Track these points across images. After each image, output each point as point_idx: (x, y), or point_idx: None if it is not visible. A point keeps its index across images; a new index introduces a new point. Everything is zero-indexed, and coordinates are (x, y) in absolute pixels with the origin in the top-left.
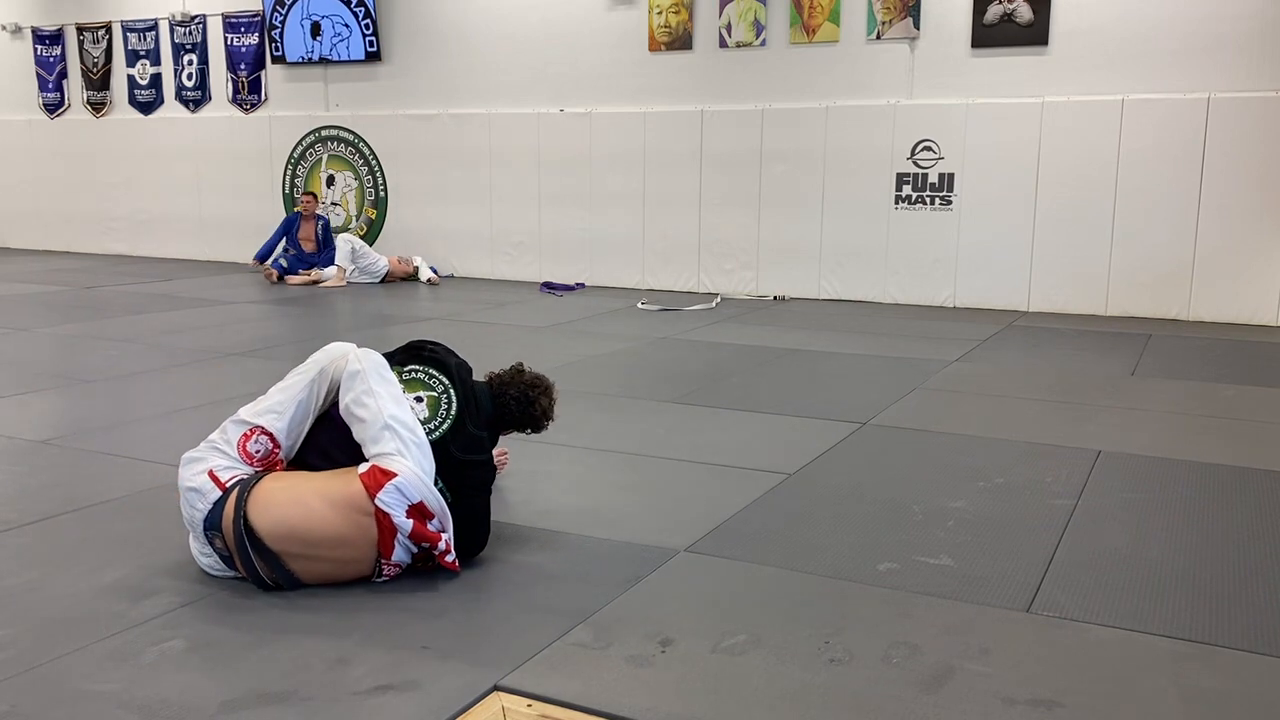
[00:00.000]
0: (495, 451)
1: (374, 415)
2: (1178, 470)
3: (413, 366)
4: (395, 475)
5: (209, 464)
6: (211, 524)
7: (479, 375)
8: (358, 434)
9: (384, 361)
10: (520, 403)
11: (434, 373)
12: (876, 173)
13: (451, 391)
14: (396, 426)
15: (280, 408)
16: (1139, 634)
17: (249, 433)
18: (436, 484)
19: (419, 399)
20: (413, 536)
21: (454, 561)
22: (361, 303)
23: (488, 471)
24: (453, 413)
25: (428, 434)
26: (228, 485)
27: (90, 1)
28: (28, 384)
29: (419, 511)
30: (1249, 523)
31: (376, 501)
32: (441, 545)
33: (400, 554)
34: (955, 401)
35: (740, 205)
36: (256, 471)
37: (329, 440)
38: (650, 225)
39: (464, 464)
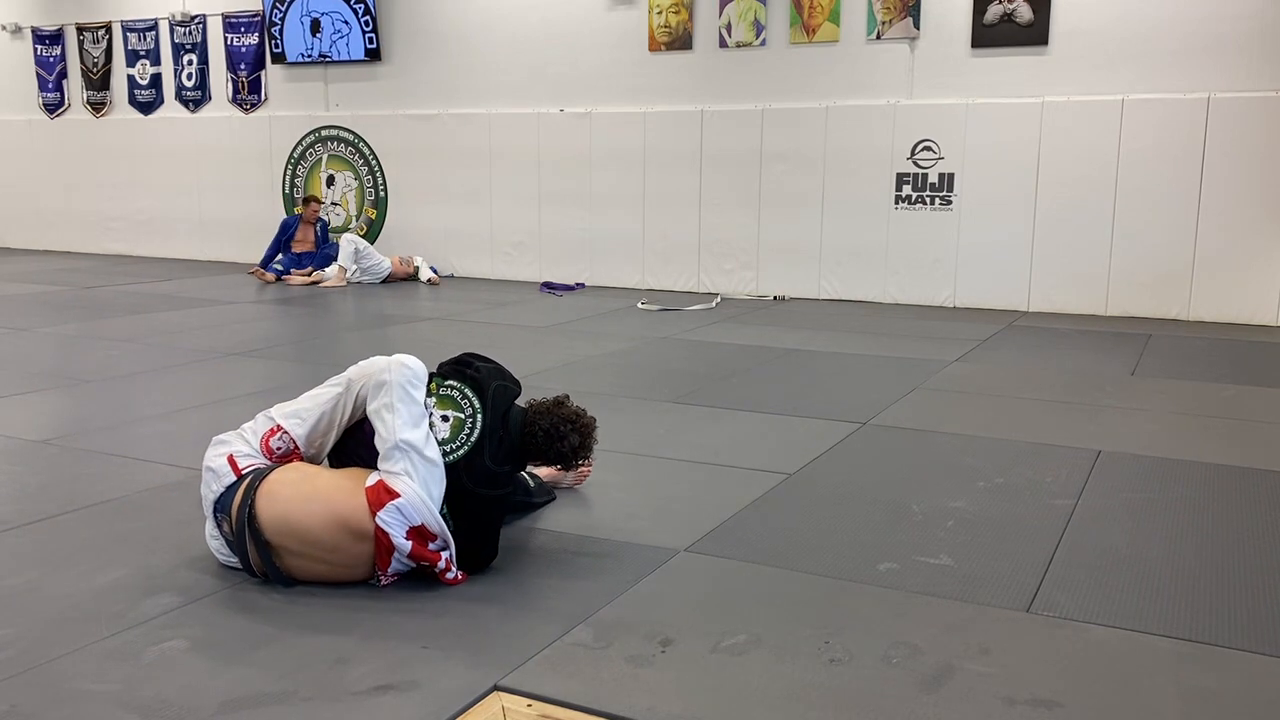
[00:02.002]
0: (580, 470)
1: (389, 432)
2: (1178, 470)
3: (452, 383)
4: (398, 496)
5: (232, 448)
6: (222, 507)
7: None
8: (376, 443)
9: (419, 375)
10: (548, 436)
11: (469, 394)
12: (876, 173)
13: (479, 417)
14: (408, 449)
15: (305, 414)
16: (1139, 634)
17: (274, 429)
18: (442, 510)
19: (445, 418)
20: (411, 556)
21: (454, 578)
22: (362, 302)
23: (497, 506)
24: (472, 440)
25: (444, 455)
26: (244, 472)
27: (90, 1)
28: (28, 384)
29: (419, 533)
30: (1249, 523)
31: (377, 520)
32: (441, 564)
33: (397, 566)
34: (955, 401)
35: (740, 205)
36: (272, 465)
37: (365, 440)
38: (650, 225)
39: (471, 494)
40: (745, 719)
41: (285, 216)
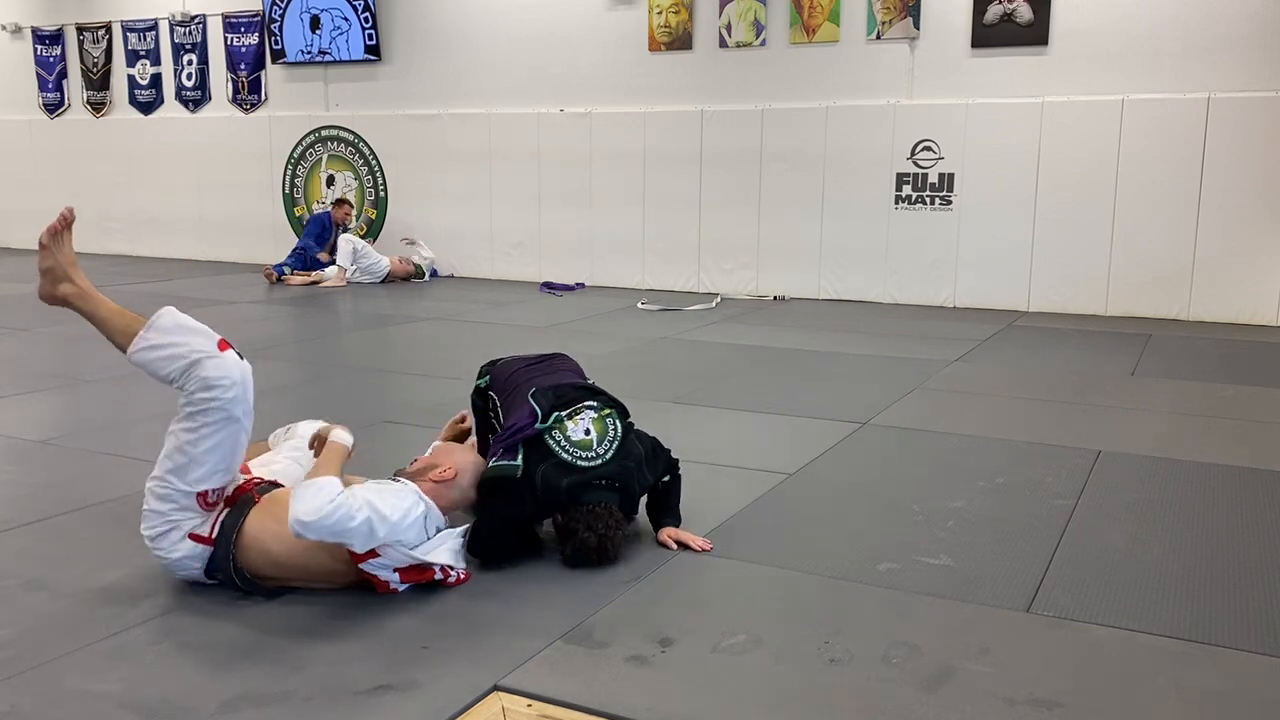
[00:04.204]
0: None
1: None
2: (1178, 470)
3: (618, 424)
4: (376, 555)
5: (183, 529)
6: (213, 570)
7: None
8: None
9: (337, 511)
10: (588, 515)
11: (617, 446)
12: (876, 173)
13: (599, 463)
14: (384, 550)
15: (214, 464)
16: (1139, 634)
17: (203, 493)
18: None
19: (587, 431)
20: (406, 581)
21: (455, 580)
22: (362, 303)
23: (504, 508)
24: (576, 462)
25: (557, 443)
26: (215, 538)
27: (90, 1)
28: (28, 384)
29: (410, 568)
30: (1249, 523)
31: (362, 567)
32: (438, 575)
33: (400, 589)
34: (955, 401)
35: (740, 205)
36: (233, 507)
37: None
38: (650, 225)
39: (527, 479)
40: (745, 719)
41: (319, 215)
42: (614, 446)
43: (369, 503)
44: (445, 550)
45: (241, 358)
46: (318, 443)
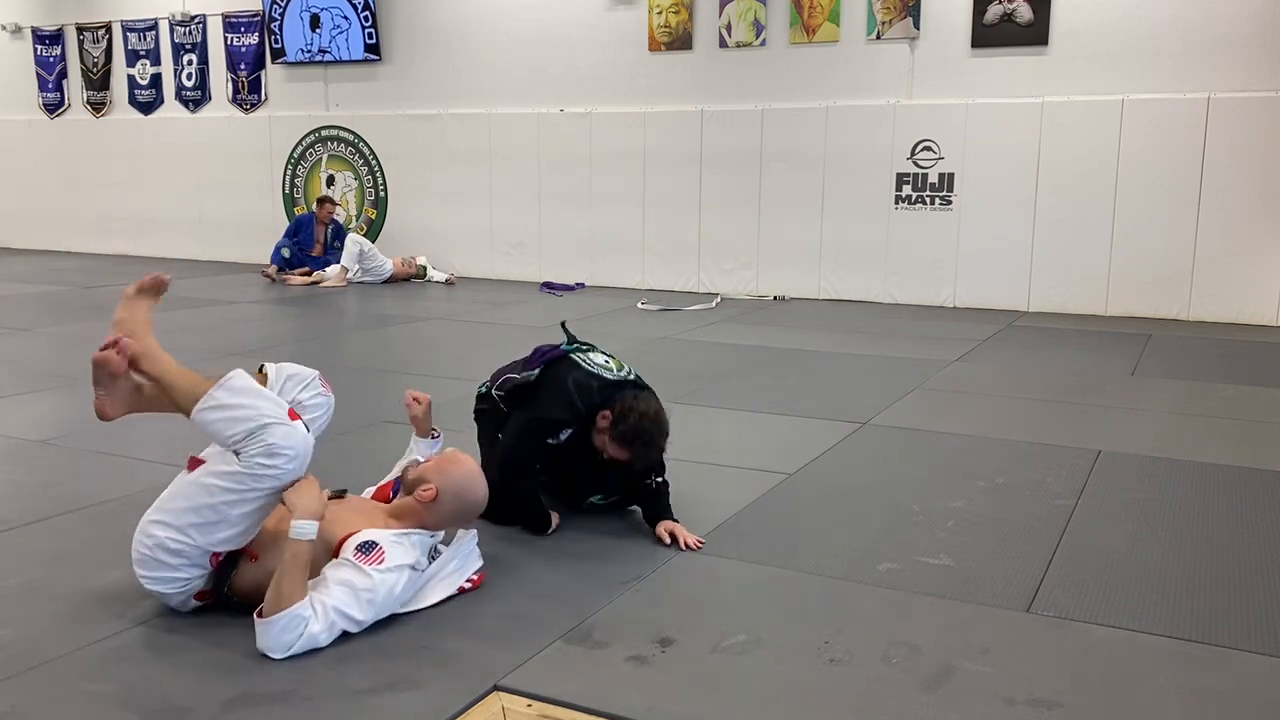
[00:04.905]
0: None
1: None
2: (1178, 470)
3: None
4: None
5: (190, 589)
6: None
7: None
8: None
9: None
10: (656, 420)
11: (625, 370)
12: (876, 173)
13: (613, 372)
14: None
15: (243, 529)
16: (1139, 634)
17: (216, 555)
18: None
19: (605, 362)
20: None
21: (460, 590)
22: (363, 303)
23: (533, 408)
24: (600, 372)
25: (580, 348)
26: (214, 594)
27: (90, 1)
28: (28, 384)
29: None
30: (1249, 523)
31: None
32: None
33: None
34: (955, 401)
35: (740, 205)
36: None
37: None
38: (650, 225)
39: (558, 384)
40: (745, 719)
41: (299, 215)
42: (633, 374)
43: (339, 614)
44: (450, 580)
45: (308, 430)
46: (289, 499)
